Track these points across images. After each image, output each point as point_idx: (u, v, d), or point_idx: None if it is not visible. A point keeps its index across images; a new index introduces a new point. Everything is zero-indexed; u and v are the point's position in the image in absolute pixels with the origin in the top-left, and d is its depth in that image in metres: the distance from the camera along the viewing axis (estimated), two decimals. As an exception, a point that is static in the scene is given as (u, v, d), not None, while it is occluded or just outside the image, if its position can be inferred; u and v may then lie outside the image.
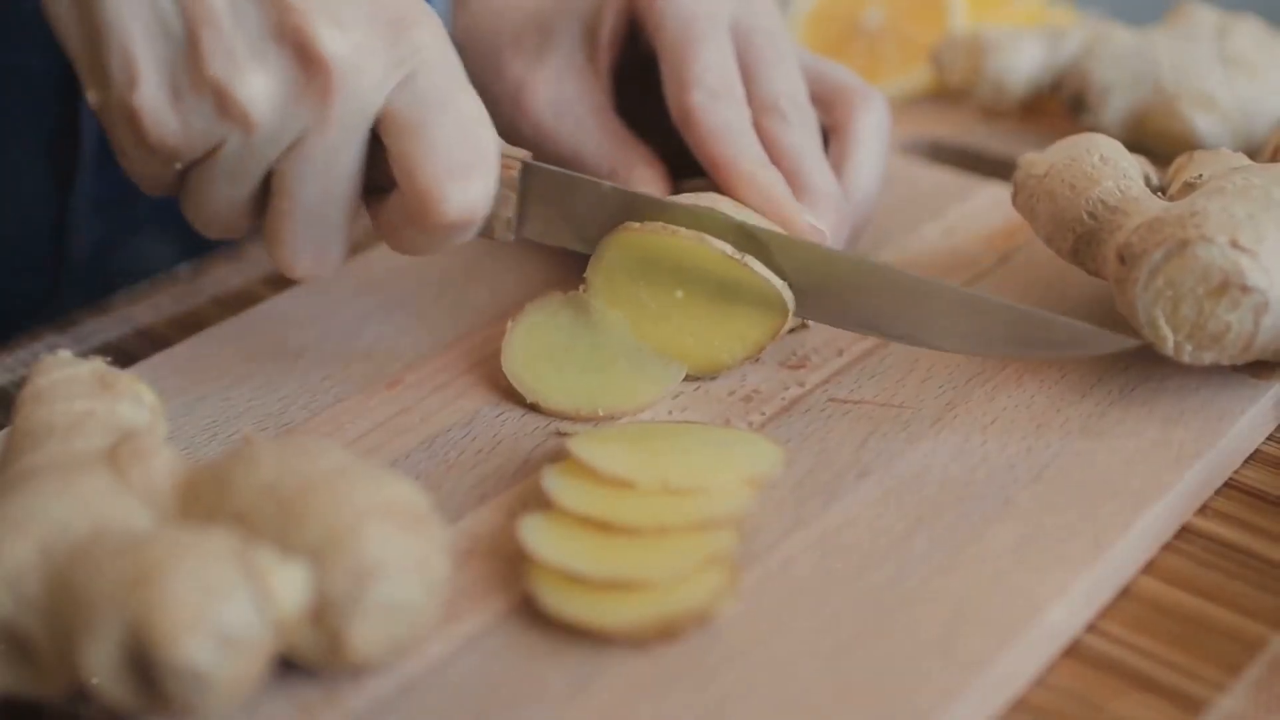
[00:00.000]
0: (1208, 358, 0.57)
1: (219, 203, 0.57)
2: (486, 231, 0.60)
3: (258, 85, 0.54)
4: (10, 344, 0.68)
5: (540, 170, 0.60)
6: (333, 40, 0.54)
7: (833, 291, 0.60)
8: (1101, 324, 0.64)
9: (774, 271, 0.60)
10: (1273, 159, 0.66)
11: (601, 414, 0.60)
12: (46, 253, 0.78)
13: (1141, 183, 0.61)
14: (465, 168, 0.56)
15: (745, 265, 0.59)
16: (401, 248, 0.59)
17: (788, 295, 0.60)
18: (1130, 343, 0.58)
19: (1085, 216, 0.60)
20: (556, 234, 0.61)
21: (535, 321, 0.61)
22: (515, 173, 0.60)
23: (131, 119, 0.55)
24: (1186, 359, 0.58)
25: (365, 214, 0.60)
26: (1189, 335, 0.57)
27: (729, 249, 0.59)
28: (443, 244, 0.58)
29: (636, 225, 0.60)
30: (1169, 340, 0.57)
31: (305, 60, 0.54)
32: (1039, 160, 0.64)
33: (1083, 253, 0.61)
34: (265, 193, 0.58)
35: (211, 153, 0.56)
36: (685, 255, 0.60)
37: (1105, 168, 0.61)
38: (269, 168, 0.56)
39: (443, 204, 0.56)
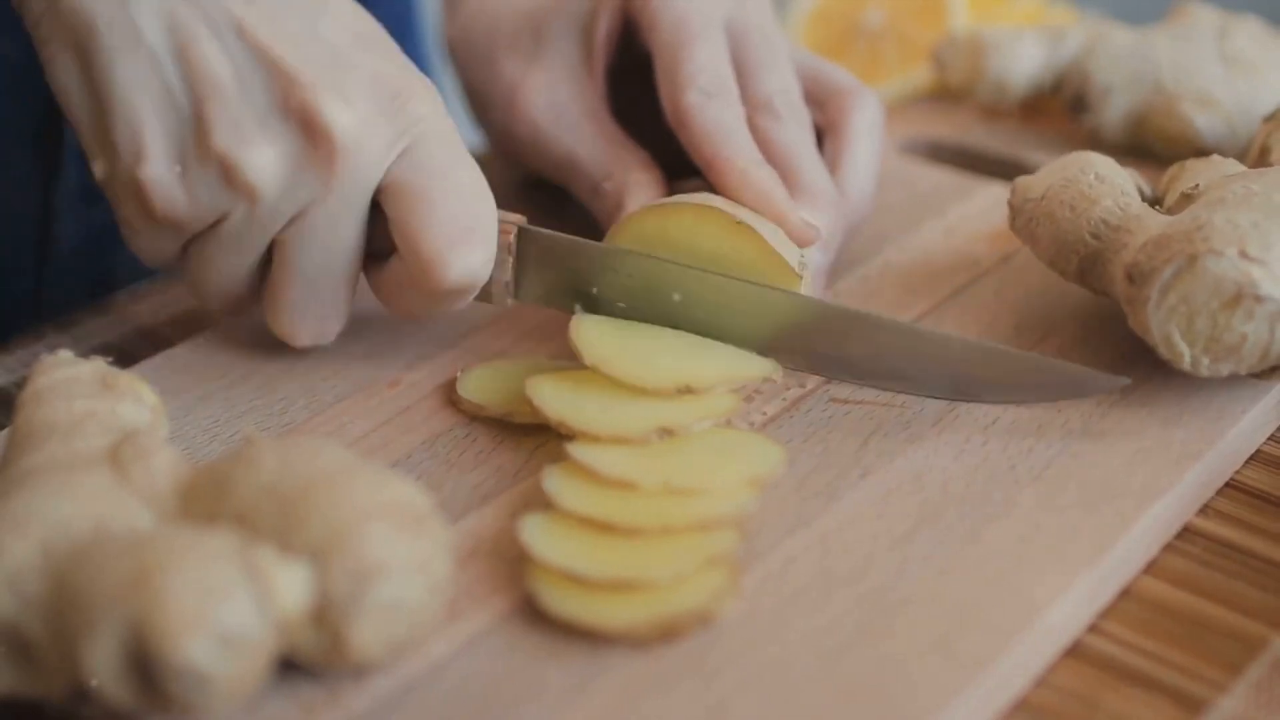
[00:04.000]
0: (1225, 369, 0.57)
1: (222, 274, 0.59)
2: (484, 296, 0.61)
3: (264, 157, 0.55)
4: (10, 344, 0.68)
5: (536, 234, 0.61)
6: (338, 114, 0.55)
7: (813, 341, 0.60)
8: (1103, 324, 0.64)
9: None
10: (1260, 157, 0.66)
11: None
12: (32, 243, 0.78)
13: (1139, 198, 0.61)
14: (466, 235, 0.57)
15: (755, 232, 0.59)
16: (401, 311, 0.60)
17: (796, 262, 0.60)
18: (1122, 381, 0.58)
19: (1088, 237, 0.60)
20: (553, 295, 0.62)
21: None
22: (511, 237, 0.60)
23: (139, 192, 0.56)
24: (1205, 372, 0.57)
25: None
26: (1205, 349, 0.57)
27: (741, 213, 0.60)
28: (442, 308, 0.59)
29: (640, 210, 0.60)
30: (1186, 356, 0.57)
31: (311, 133, 0.55)
32: (1034, 183, 0.63)
33: (1088, 274, 0.61)
34: (267, 264, 0.59)
35: (216, 224, 0.57)
36: (693, 230, 0.60)
37: (1102, 186, 0.61)
38: (272, 238, 0.57)
39: (445, 270, 0.57)
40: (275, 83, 0.55)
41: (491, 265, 0.58)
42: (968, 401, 0.60)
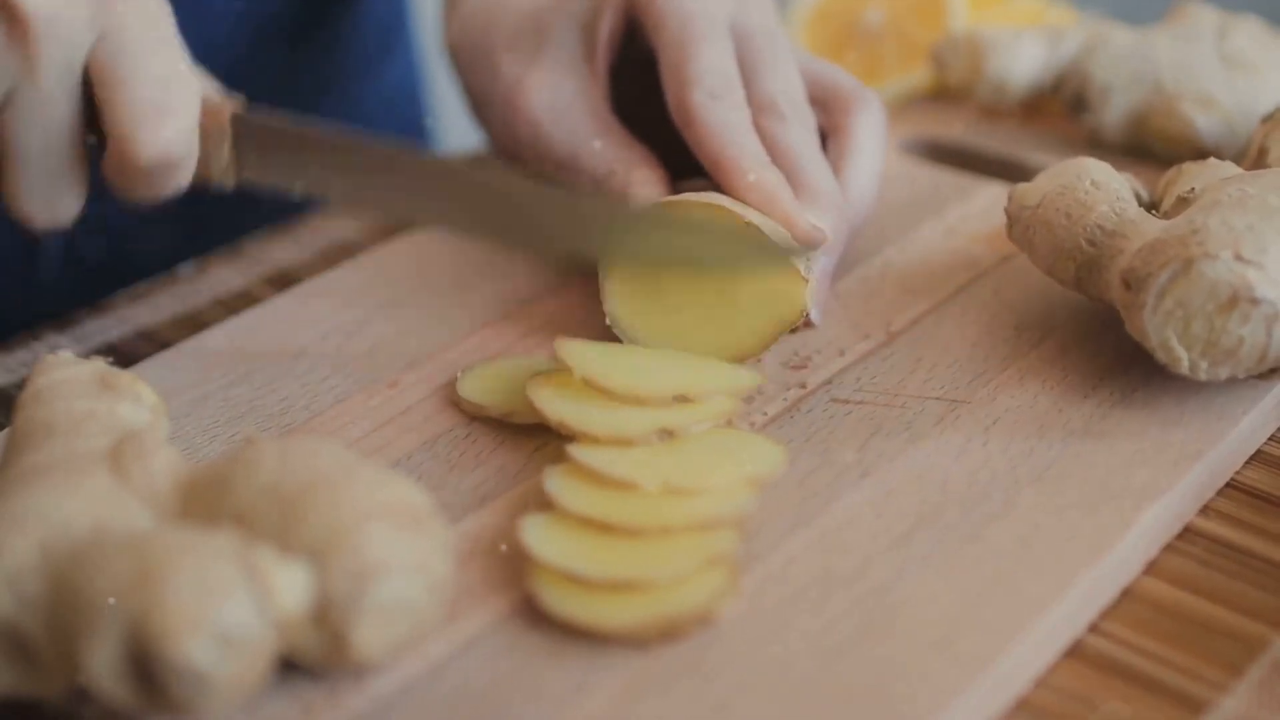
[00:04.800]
0: (1224, 373, 0.57)
1: None
2: (204, 174, 0.62)
3: None
4: (10, 344, 0.68)
5: (253, 119, 0.62)
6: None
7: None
8: (1103, 324, 0.64)
9: None
10: (1258, 158, 0.66)
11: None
12: (33, 243, 0.78)
13: (1135, 203, 0.61)
14: (158, 110, 0.58)
15: (757, 228, 0.60)
16: (125, 194, 0.61)
17: (802, 265, 0.60)
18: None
19: (1085, 244, 0.60)
20: (277, 176, 0.63)
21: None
22: (225, 117, 0.62)
23: None
24: (1203, 376, 0.57)
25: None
26: (1203, 353, 0.57)
27: (748, 214, 0.60)
28: (152, 187, 0.60)
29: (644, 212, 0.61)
30: (1184, 360, 0.57)
31: (5, 15, 0.56)
32: (1030, 190, 0.63)
33: (1085, 280, 0.61)
34: None
35: None
36: (693, 230, 0.60)
37: (1098, 193, 0.61)
38: None
39: (137, 147, 0.58)
40: None
41: (184, 142, 0.59)
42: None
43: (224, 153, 0.62)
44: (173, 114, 0.59)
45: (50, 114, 0.58)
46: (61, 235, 0.77)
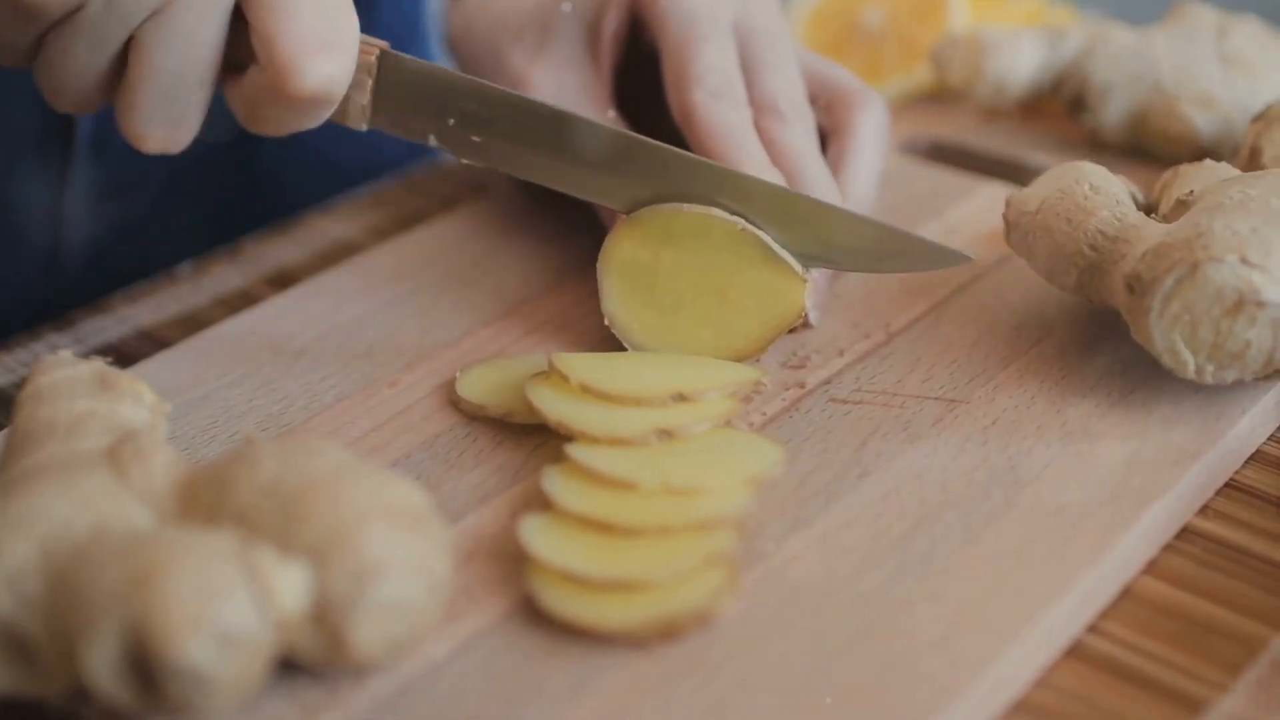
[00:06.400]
0: (1230, 376, 0.57)
1: (76, 69, 0.57)
2: (340, 116, 0.61)
3: None
4: (11, 344, 0.68)
5: (399, 58, 0.61)
6: None
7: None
8: (1103, 324, 0.64)
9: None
10: (1251, 158, 0.66)
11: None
12: (42, 248, 0.78)
13: (1133, 206, 0.61)
14: (324, 44, 0.56)
15: (755, 235, 0.59)
16: (256, 125, 0.60)
17: (798, 265, 0.60)
18: (966, 257, 0.61)
19: (1086, 249, 0.60)
20: (410, 126, 0.62)
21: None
22: (373, 58, 0.61)
23: None
24: (1209, 380, 0.57)
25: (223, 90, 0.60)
26: (1209, 357, 0.57)
27: (740, 221, 0.60)
28: (297, 121, 0.59)
29: (645, 209, 0.60)
30: (1190, 364, 0.57)
31: None
32: (1029, 196, 0.63)
33: (1087, 285, 0.61)
34: (122, 65, 0.57)
35: (73, 14, 0.55)
36: (699, 231, 0.60)
37: (1098, 197, 0.61)
38: (129, 34, 0.56)
39: (300, 77, 0.56)
40: None
41: (349, 79, 0.58)
42: (825, 266, 0.62)
43: (365, 93, 0.61)
44: (339, 46, 0.57)
45: (197, 33, 0.56)
46: (49, 231, 0.76)
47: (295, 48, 0.56)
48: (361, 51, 0.60)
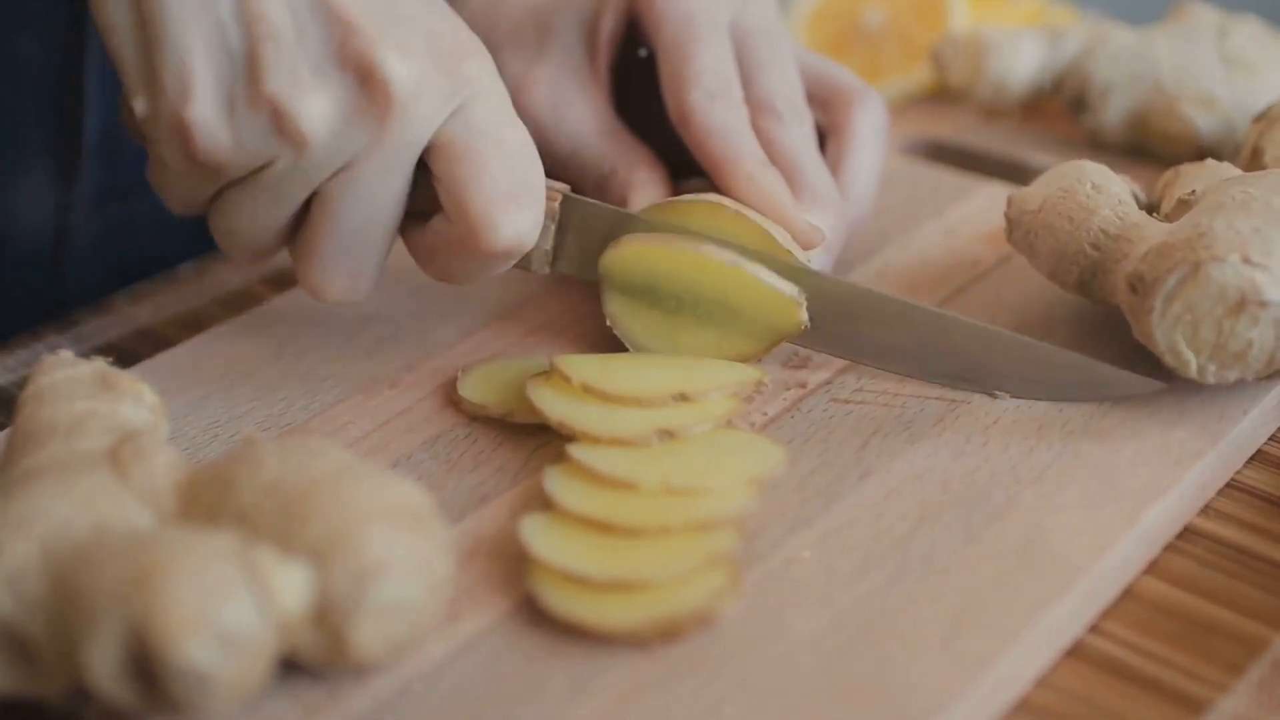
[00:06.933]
0: (1232, 376, 0.57)
1: (256, 222, 0.57)
2: (523, 263, 0.61)
3: (317, 106, 0.54)
4: (11, 344, 0.68)
5: (580, 202, 0.61)
6: (396, 66, 0.54)
7: (849, 324, 0.61)
8: (1104, 324, 0.64)
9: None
10: (1252, 158, 0.66)
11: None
12: (48, 248, 0.78)
13: (1135, 205, 0.61)
14: (515, 197, 0.56)
15: (746, 271, 0.59)
16: (441, 275, 0.59)
17: (793, 292, 0.60)
18: (1157, 385, 0.59)
19: (1088, 248, 0.60)
20: (588, 267, 0.61)
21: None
22: (556, 204, 0.60)
23: (182, 132, 0.54)
24: (1211, 380, 0.57)
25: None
26: (1211, 356, 0.57)
27: (728, 256, 0.60)
28: (485, 273, 0.59)
29: (634, 239, 0.60)
30: (1192, 364, 0.57)
31: (367, 85, 0.54)
32: (1031, 195, 0.63)
33: (1089, 285, 0.61)
34: (301, 216, 0.58)
35: (257, 172, 0.56)
36: (686, 266, 0.60)
37: (1100, 196, 0.61)
38: (313, 190, 0.56)
39: (494, 232, 0.56)
40: (333, 30, 0.54)
41: (539, 230, 0.58)
42: (982, 393, 0.60)
43: (549, 239, 0.60)
44: (530, 198, 0.57)
45: (383, 189, 0.56)
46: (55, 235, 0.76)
47: (487, 204, 0.56)
48: (546, 197, 0.59)
